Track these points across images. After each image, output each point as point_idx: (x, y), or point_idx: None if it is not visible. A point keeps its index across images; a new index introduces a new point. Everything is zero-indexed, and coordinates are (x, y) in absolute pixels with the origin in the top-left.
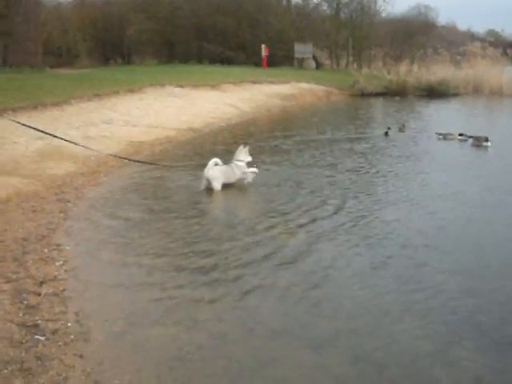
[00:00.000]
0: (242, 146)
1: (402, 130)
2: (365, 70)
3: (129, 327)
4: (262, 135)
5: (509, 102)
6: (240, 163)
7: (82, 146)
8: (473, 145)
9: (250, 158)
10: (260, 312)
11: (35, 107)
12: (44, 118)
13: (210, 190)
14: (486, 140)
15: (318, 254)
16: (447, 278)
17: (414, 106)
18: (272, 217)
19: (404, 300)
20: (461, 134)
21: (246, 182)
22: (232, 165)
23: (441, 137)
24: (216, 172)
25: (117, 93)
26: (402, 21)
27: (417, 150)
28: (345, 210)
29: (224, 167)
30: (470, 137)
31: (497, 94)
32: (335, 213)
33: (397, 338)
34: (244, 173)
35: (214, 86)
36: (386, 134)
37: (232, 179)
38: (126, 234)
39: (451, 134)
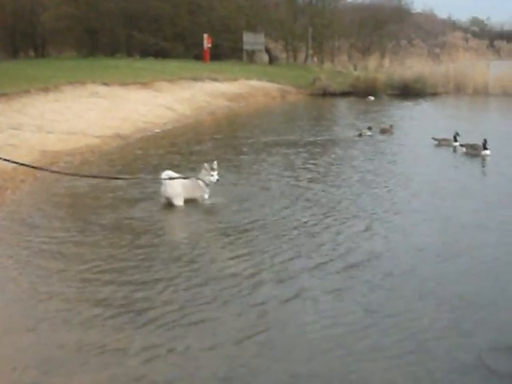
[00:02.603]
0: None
1: (387, 131)
2: (327, 65)
3: (42, 377)
4: (205, 142)
5: (496, 103)
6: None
7: None
8: (467, 153)
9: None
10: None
11: None
12: None
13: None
14: (484, 148)
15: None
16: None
17: (388, 106)
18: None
19: None
20: (456, 140)
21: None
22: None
23: (436, 142)
24: (176, 188)
25: (27, 92)
26: (370, 7)
27: (395, 157)
28: (301, 235)
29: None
30: (462, 145)
31: (482, 93)
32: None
33: None
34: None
35: (145, 85)
36: (360, 135)
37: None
38: (40, 265)
39: (446, 140)
